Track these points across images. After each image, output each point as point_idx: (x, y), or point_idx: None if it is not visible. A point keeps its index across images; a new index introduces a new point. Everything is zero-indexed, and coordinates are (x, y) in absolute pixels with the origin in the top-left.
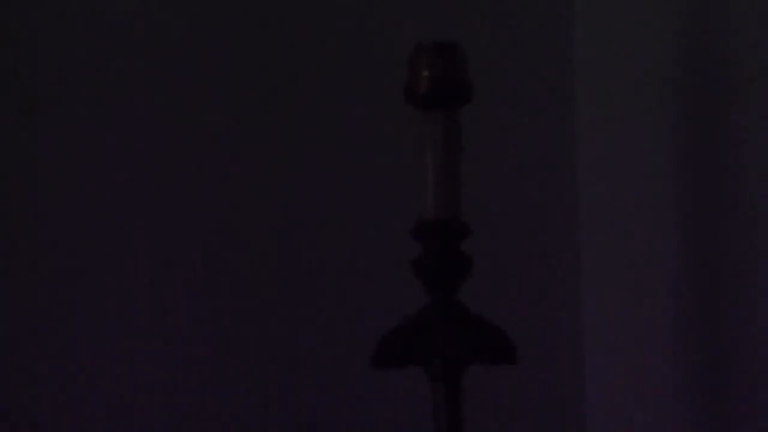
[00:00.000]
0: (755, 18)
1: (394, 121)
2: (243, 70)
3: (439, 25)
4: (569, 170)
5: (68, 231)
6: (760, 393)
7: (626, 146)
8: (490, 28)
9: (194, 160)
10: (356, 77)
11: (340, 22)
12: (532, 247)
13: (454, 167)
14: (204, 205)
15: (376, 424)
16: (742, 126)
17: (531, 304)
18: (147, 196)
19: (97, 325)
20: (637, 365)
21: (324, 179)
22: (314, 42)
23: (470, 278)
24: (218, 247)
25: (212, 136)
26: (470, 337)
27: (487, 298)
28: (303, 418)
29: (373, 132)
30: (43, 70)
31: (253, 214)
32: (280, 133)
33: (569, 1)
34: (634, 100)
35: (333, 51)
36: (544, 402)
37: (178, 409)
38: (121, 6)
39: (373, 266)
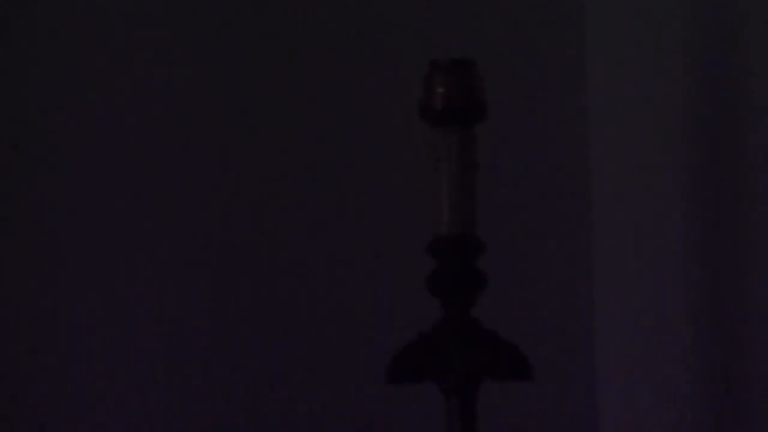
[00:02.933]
0: None
1: (410, 138)
2: (256, 84)
3: (454, 41)
4: (583, 185)
5: (68, 231)
6: None
7: (641, 161)
8: (504, 43)
9: (209, 171)
10: (371, 94)
11: (356, 38)
12: (546, 262)
13: (469, 183)
14: (215, 216)
15: None
16: (755, 129)
17: (545, 319)
18: (151, 197)
19: (98, 325)
20: (651, 381)
21: (339, 195)
22: (329, 58)
23: (484, 293)
24: (232, 265)
25: (222, 143)
26: (485, 352)
27: (500, 312)
28: None
29: (388, 148)
30: (43, 71)
31: (267, 230)
32: (296, 149)
33: (581, 16)
34: (647, 115)
35: (349, 68)
36: (558, 417)
37: (181, 412)
38: (122, 6)
39: (388, 282)
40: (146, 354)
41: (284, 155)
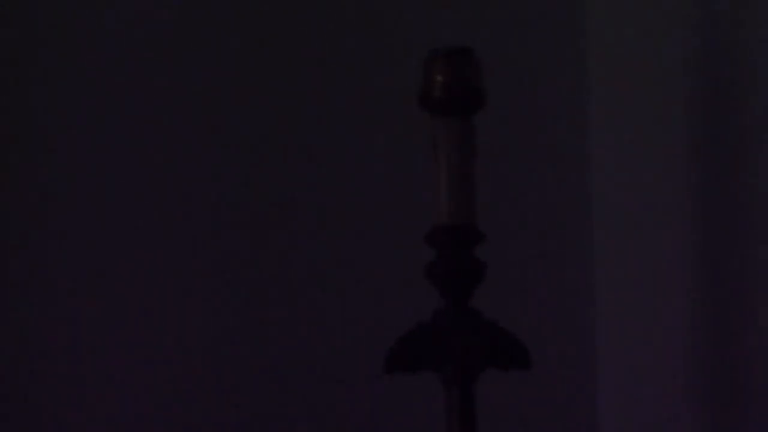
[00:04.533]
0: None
1: (409, 127)
2: (253, 79)
3: (453, 30)
4: (583, 175)
5: (68, 231)
6: None
7: (640, 150)
8: (503, 32)
9: (205, 166)
10: (370, 83)
11: (354, 28)
12: (546, 252)
13: (468, 173)
14: (214, 211)
15: (388, 430)
16: (756, 126)
17: (544, 309)
18: (151, 197)
19: (98, 326)
20: (650, 369)
21: (338, 185)
22: (327, 48)
23: (483, 283)
24: (229, 256)
25: (221, 138)
26: (484, 342)
27: (500, 302)
28: (314, 423)
29: (387, 137)
30: (43, 70)
31: (265, 219)
32: (293, 140)
33: (582, 5)
34: (648, 103)
35: (347, 57)
36: (557, 407)
37: (182, 412)
38: (123, 6)
39: (387, 271)
40: (147, 354)
41: (282, 148)
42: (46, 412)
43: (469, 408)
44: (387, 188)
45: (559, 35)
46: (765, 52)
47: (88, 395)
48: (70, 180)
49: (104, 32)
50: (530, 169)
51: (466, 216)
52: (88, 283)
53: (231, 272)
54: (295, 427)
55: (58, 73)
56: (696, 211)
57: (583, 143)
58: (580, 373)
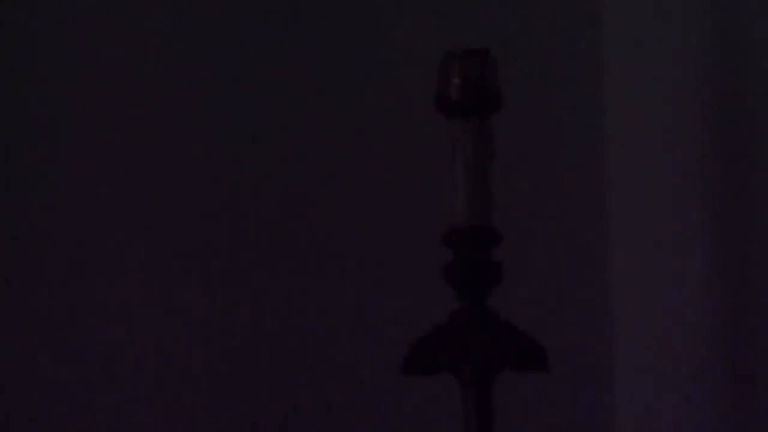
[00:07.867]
0: None
1: (426, 129)
2: (268, 79)
3: (469, 31)
4: (599, 176)
5: (68, 230)
6: None
7: (656, 151)
8: (519, 33)
9: (212, 167)
10: (387, 85)
11: (370, 30)
12: (562, 253)
13: (485, 174)
14: (222, 212)
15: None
16: None
17: (561, 311)
18: (153, 197)
19: (98, 325)
20: (669, 371)
21: (355, 186)
22: (344, 49)
23: (500, 284)
24: (239, 258)
25: (232, 139)
26: (501, 343)
27: (516, 304)
28: (331, 425)
29: (404, 139)
30: (43, 70)
31: (280, 221)
32: (310, 143)
33: (598, 6)
34: (663, 103)
35: (364, 59)
36: (574, 409)
37: (182, 413)
38: (123, 5)
39: (404, 273)
40: (148, 354)
41: (298, 151)
42: (46, 411)
43: (487, 409)
44: (404, 190)
45: (576, 36)
46: None
47: (88, 395)
48: (70, 180)
49: (104, 32)
50: (546, 170)
51: (483, 217)
52: (87, 283)
53: (244, 276)
54: (311, 429)
55: (57, 72)
56: (712, 211)
57: (599, 144)
58: (597, 375)
